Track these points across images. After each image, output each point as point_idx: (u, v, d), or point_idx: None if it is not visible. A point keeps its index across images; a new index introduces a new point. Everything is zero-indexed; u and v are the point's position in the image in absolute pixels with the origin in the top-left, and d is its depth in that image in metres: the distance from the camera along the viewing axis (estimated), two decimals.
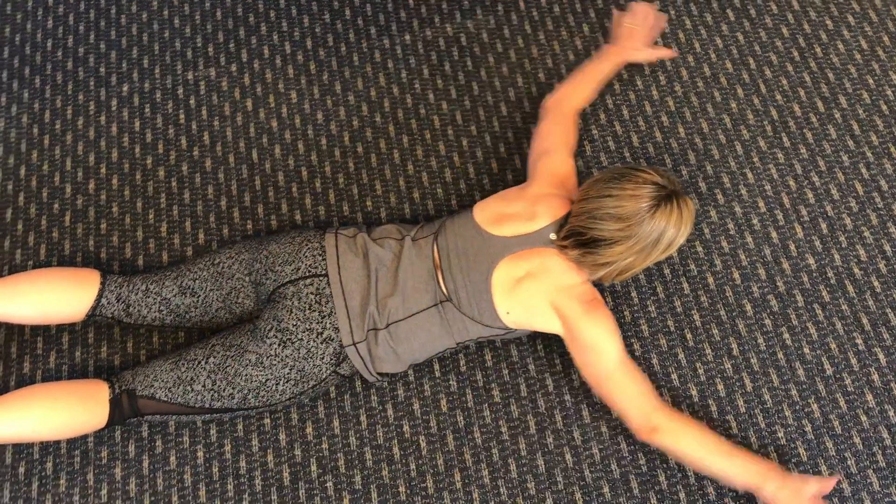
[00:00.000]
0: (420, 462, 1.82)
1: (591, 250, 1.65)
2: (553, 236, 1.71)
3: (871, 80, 2.19)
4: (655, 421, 1.65)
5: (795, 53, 2.24)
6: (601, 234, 1.63)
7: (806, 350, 1.90)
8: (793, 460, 1.80)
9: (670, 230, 1.62)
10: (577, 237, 1.67)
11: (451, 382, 1.89)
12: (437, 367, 1.90)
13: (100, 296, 1.79)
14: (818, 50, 2.24)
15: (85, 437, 1.84)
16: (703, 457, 1.66)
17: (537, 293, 1.70)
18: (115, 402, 1.70)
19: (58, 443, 1.83)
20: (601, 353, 1.68)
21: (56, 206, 2.09)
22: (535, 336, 1.92)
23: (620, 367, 1.68)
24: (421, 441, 1.84)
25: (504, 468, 1.81)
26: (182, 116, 2.20)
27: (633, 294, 1.96)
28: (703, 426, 1.69)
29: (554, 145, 1.90)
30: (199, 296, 1.80)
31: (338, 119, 2.19)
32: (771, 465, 1.67)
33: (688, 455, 1.67)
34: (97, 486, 1.80)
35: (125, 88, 2.25)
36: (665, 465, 1.80)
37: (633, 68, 2.22)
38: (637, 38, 2.09)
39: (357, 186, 2.11)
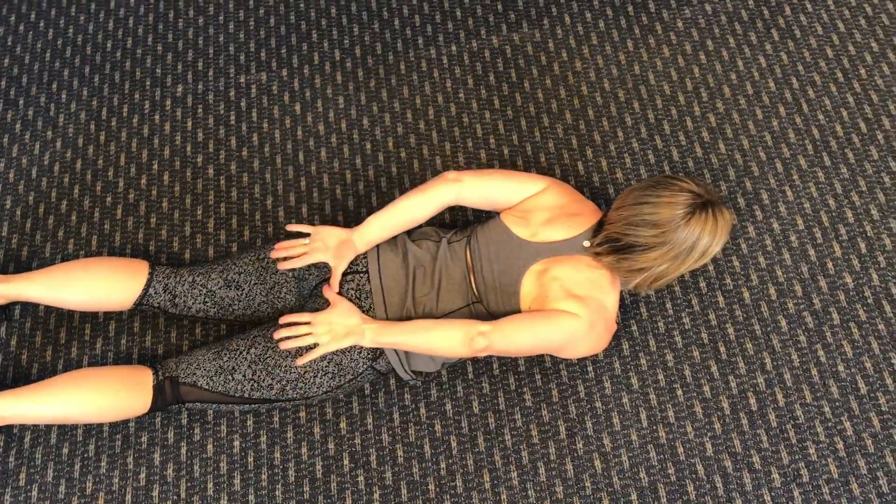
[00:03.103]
0: (450, 461, 1.85)
1: (625, 256, 1.67)
2: (587, 243, 1.74)
3: None
4: (479, 346, 1.67)
5: (839, 74, 2.25)
6: (636, 240, 1.65)
7: (840, 368, 1.90)
8: (823, 477, 1.80)
9: (705, 238, 1.64)
10: (612, 243, 1.69)
11: (483, 385, 1.92)
12: (470, 369, 1.94)
13: (148, 285, 1.85)
14: (862, 71, 2.25)
15: (127, 421, 1.90)
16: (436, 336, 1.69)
17: (578, 287, 1.71)
18: (158, 388, 1.76)
19: (101, 426, 1.89)
20: (564, 340, 1.69)
21: (109, 199, 2.17)
22: None
23: (542, 347, 1.71)
24: (452, 441, 1.87)
25: (533, 471, 1.83)
26: (233, 118, 2.27)
27: (668, 305, 1.98)
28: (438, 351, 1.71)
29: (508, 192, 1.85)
30: (244, 289, 1.85)
31: (383, 125, 2.25)
32: None
33: (442, 331, 1.69)
34: (136, 469, 1.86)
35: (179, 89, 2.33)
36: (694, 476, 1.81)
37: (676, 85, 2.25)
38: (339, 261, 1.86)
39: (399, 190, 2.15)
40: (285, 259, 1.84)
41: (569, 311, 1.67)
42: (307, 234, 1.91)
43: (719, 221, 1.64)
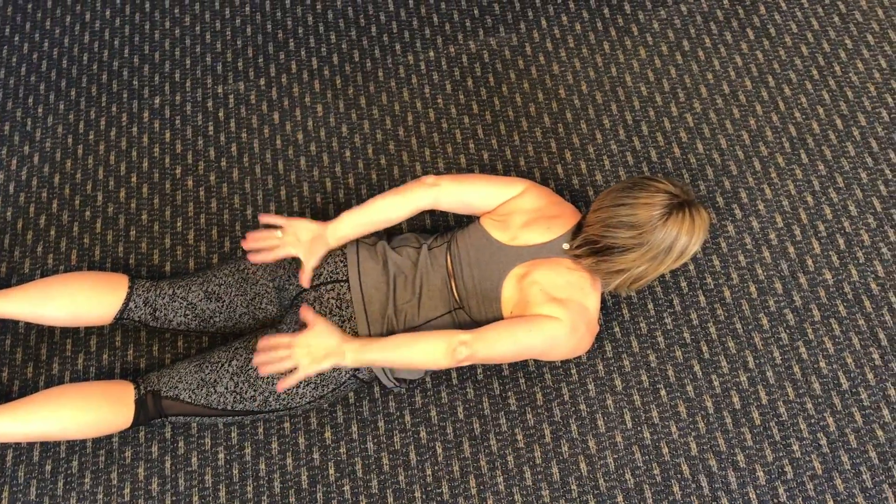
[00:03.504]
0: (436, 468, 1.84)
1: (604, 258, 1.68)
2: (566, 246, 1.74)
3: (889, 99, 2.20)
4: (463, 357, 1.65)
5: (815, 72, 2.26)
6: (615, 241, 1.66)
7: (822, 364, 1.91)
8: (807, 473, 1.80)
9: (682, 238, 1.64)
10: (590, 245, 1.69)
11: (468, 390, 1.92)
12: (454, 374, 1.93)
13: (128, 299, 1.84)
14: (837, 68, 2.26)
15: (110, 436, 1.88)
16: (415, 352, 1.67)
17: (559, 290, 1.72)
18: (140, 403, 1.75)
19: (84, 442, 1.88)
20: (544, 344, 1.69)
21: (88, 213, 2.16)
22: None
23: (524, 354, 1.71)
24: (437, 447, 1.87)
25: (519, 475, 1.83)
26: (211, 128, 2.27)
27: (650, 306, 1.98)
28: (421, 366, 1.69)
29: (483, 199, 1.86)
30: (224, 301, 1.85)
31: (362, 132, 2.24)
32: None
33: (423, 345, 1.66)
34: (121, 484, 1.85)
35: (157, 101, 2.32)
36: (679, 476, 1.81)
37: (653, 86, 2.25)
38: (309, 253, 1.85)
39: None
40: (257, 252, 1.82)
41: (550, 316, 1.67)
42: (281, 227, 1.88)
43: (696, 221, 1.65)
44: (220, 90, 2.33)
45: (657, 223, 1.62)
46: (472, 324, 1.75)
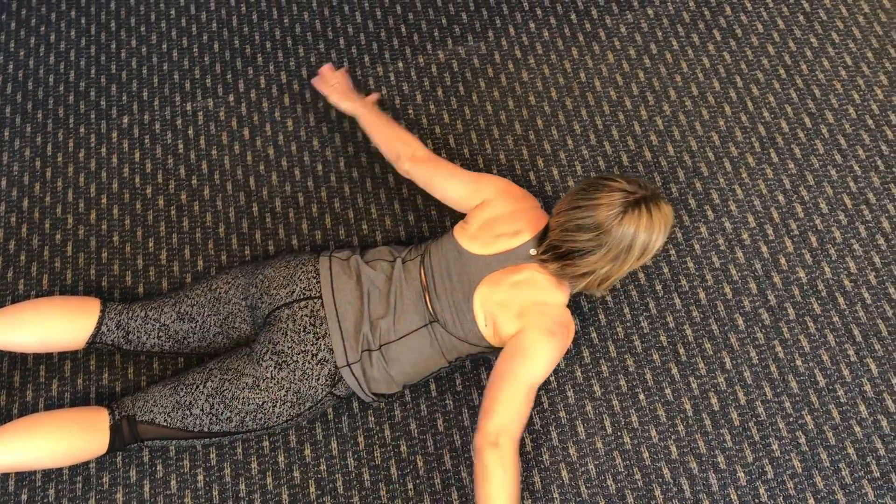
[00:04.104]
0: (418, 482, 1.84)
1: (568, 262, 1.68)
2: (533, 252, 1.74)
3: (856, 96, 2.22)
4: (503, 442, 1.61)
5: (782, 71, 2.28)
6: (575, 245, 1.65)
7: (798, 362, 1.92)
8: (788, 472, 1.81)
9: (641, 235, 1.63)
10: (554, 250, 1.69)
11: (447, 402, 1.91)
12: (433, 386, 1.93)
13: (100, 323, 1.82)
14: (804, 67, 2.28)
15: (87, 463, 1.86)
16: (499, 499, 1.60)
17: (512, 298, 1.72)
18: (115, 428, 1.73)
19: (60, 470, 1.86)
20: (531, 365, 1.67)
21: (58, 236, 2.14)
22: None
23: (531, 386, 1.67)
24: (418, 461, 1.86)
25: None
26: (181, 146, 2.25)
27: (626, 310, 1.99)
28: (518, 482, 1.63)
29: (464, 195, 1.89)
30: (198, 321, 1.83)
31: (333, 145, 2.23)
32: None
33: (490, 488, 1.59)
34: None
35: (125, 120, 2.30)
36: (660, 480, 1.82)
37: (622, 90, 2.26)
38: (333, 94, 2.14)
39: (353, 210, 2.14)
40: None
41: (517, 331, 1.69)
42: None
43: (655, 216, 1.64)
44: (188, 107, 2.31)
45: (613, 223, 1.62)
46: (449, 337, 1.74)
